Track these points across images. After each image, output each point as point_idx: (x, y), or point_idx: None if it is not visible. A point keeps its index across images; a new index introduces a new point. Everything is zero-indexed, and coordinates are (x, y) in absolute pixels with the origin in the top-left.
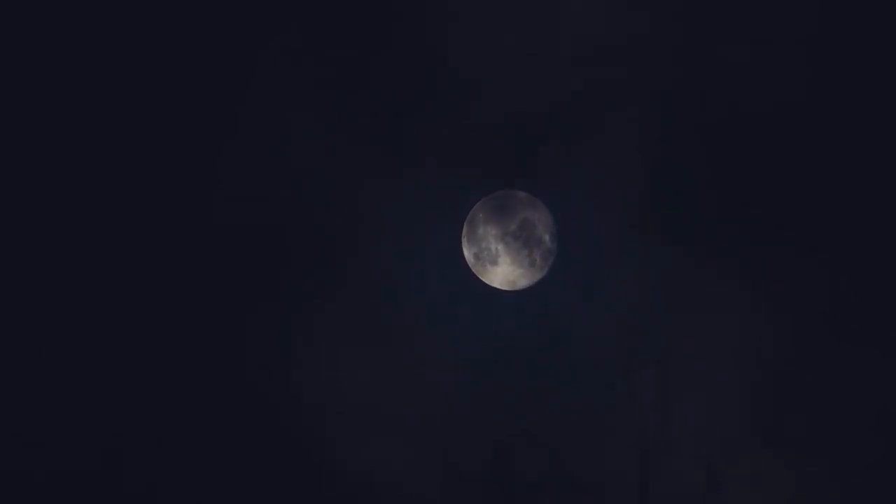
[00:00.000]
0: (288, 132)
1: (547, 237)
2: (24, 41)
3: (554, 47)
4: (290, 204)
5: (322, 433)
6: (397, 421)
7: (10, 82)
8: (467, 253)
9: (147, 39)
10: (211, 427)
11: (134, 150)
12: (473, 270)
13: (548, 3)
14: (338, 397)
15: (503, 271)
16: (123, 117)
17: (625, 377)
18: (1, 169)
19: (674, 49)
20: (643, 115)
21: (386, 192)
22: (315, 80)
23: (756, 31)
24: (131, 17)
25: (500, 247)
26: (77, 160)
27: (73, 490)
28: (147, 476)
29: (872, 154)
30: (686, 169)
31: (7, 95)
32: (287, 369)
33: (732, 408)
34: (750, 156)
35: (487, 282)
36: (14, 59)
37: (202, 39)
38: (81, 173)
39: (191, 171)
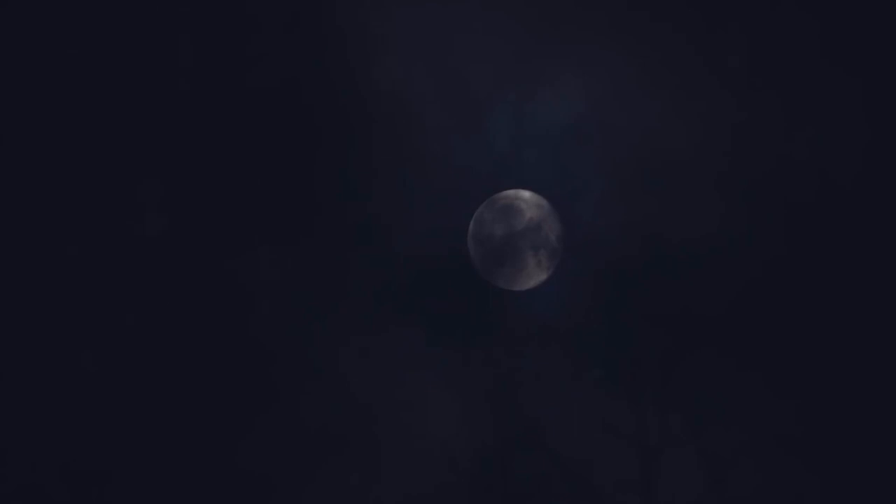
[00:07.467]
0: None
1: (552, 237)
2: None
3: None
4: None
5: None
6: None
7: None
8: (472, 253)
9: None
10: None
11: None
12: (478, 270)
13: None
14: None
15: (507, 271)
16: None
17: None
18: None
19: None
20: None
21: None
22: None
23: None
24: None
25: (506, 248)
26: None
27: None
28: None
29: (844, 288)
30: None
31: None
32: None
33: None
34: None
35: (492, 282)
36: None
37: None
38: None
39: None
